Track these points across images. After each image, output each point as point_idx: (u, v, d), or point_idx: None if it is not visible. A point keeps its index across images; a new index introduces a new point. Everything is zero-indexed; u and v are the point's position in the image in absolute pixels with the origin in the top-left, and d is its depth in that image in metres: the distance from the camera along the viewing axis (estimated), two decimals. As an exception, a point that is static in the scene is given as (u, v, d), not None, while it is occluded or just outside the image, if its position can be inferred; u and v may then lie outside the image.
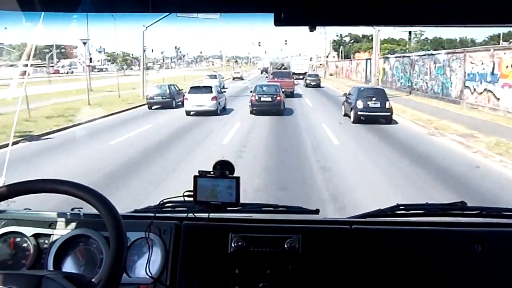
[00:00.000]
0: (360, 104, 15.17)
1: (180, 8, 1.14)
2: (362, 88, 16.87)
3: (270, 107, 17.44)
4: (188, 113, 17.90)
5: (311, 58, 55.27)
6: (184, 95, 20.79)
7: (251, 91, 18.89)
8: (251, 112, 17.68)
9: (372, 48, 56.90)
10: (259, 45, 47.16)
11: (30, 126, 13.63)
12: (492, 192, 7.22)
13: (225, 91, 22.95)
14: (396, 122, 15.50)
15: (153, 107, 20.15)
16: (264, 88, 19.09)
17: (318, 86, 34.29)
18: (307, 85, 34.61)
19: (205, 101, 17.77)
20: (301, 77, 38.66)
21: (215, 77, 32.06)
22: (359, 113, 15.15)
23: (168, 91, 20.65)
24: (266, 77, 33.83)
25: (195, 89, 18.69)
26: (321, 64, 62.38)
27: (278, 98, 17.93)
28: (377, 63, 27.86)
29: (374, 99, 15.28)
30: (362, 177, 8.12)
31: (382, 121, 15.20)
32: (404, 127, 14.81)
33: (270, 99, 17.77)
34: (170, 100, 20.40)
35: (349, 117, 15.79)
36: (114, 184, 7.43)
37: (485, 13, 1.10)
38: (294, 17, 1.12)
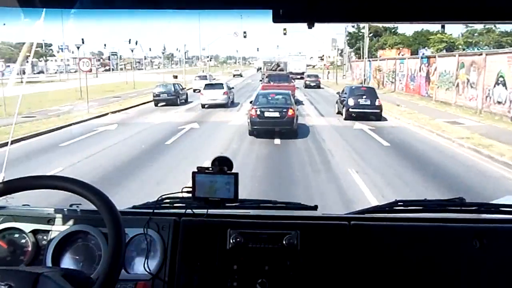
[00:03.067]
0: (351, 102, 16.26)
1: (180, 4, 1.13)
2: (353, 87, 18.44)
3: (278, 126, 12.32)
4: (203, 106, 20.78)
5: (311, 57, 52.80)
6: (187, 94, 24.73)
7: (250, 102, 14.21)
8: (251, 133, 12.47)
9: (401, 43, 41.21)
10: (245, 36, 40.50)
11: None
12: None
13: (233, 87, 25.14)
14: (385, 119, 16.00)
15: (159, 104, 22.18)
16: (269, 98, 13.67)
17: (317, 87, 34.63)
18: (306, 86, 34.69)
19: (218, 96, 20.83)
20: (298, 77, 37.48)
21: (205, 78, 29.81)
22: (350, 110, 16.24)
23: (173, 89, 22.96)
24: (261, 80, 28.31)
25: (209, 86, 21.69)
26: (324, 65, 51.99)
27: (290, 112, 12.44)
28: None
29: (364, 96, 16.37)
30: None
31: (372, 117, 15.96)
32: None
33: (278, 114, 12.44)
34: (175, 97, 22.57)
35: (342, 114, 16.90)
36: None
37: (487, 10, 1.09)
38: (292, 13, 1.11)
